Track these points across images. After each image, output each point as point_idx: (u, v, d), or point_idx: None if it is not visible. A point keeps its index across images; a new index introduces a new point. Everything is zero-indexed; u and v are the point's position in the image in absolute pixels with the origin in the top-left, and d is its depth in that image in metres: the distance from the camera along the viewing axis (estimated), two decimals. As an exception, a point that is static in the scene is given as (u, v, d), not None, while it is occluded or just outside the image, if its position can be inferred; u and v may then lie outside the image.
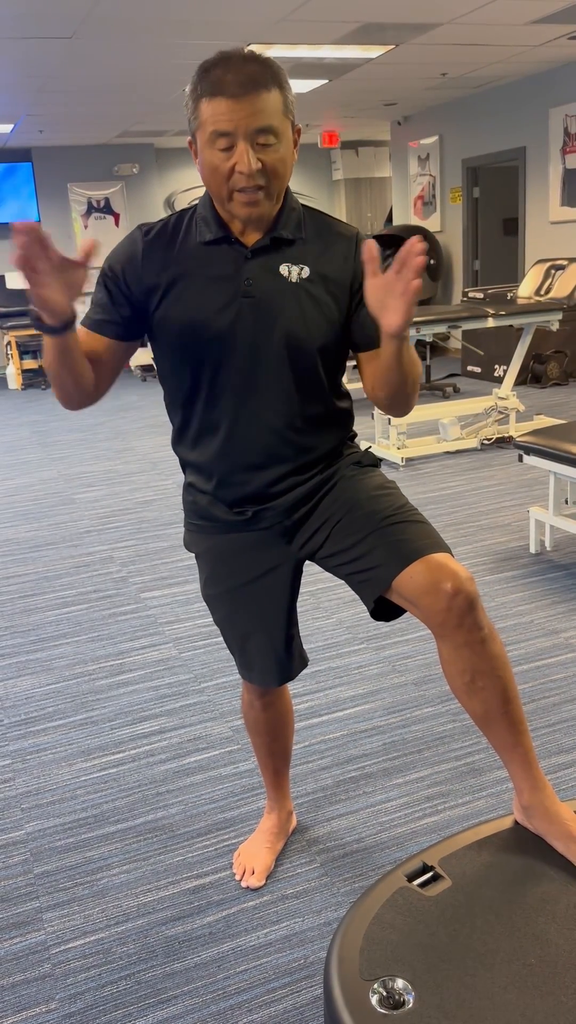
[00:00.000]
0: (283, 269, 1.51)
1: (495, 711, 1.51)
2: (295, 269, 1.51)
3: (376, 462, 1.69)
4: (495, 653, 1.49)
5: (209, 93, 1.37)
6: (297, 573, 1.74)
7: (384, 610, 1.57)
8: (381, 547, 1.51)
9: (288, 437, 1.58)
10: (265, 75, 1.37)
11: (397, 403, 1.55)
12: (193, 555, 1.80)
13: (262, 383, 1.54)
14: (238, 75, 1.35)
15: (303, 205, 1.57)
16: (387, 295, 1.35)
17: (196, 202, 1.56)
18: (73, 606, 3.61)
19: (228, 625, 1.79)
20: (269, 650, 1.77)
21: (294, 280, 1.51)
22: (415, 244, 1.30)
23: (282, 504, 1.62)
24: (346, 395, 1.68)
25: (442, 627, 1.46)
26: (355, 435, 1.73)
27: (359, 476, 1.63)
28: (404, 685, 2.79)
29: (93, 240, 1.36)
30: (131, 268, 1.54)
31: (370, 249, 1.35)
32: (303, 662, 1.85)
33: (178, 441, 1.68)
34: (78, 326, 1.51)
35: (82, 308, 1.44)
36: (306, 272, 1.51)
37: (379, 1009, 1.21)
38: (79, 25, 5.09)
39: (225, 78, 1.36)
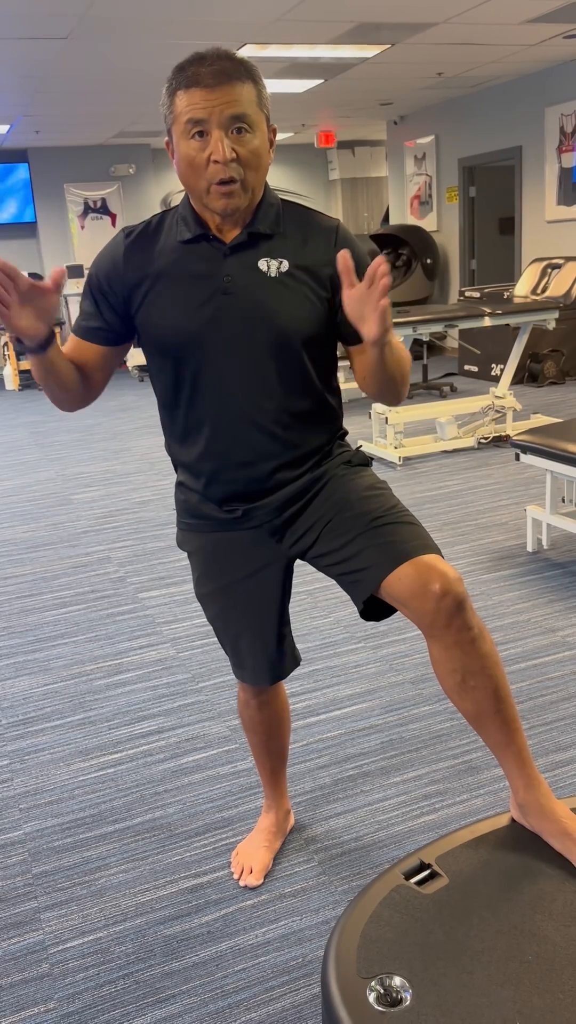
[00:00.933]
0: (262, 264, 1.51)
1: (487, 710, 1.51)
2: (274, 263, 1.52)
3: (367, 461, 1.69)
4: (485, 652, 1.49)
5: (184, 85, 1.40)
6: (288, 572, 1.75)
7: (374, 610, 1.58)
8: (371, 548, 1.51)
9: (275, 433, 1.58)
10: (238, 69, 1.40)
11: (386, 397, 1.57)
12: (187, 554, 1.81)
13: (246, 379, 1.54)
14: (212, 67, 1.39)
15: (282, 199, 1.57)
16: (363, 306, 1.36)
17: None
18: (71, 606, 3.61)
19: (220, 623, 1.80)
20: (261, 648, 1.78)
21: (273, 274, 1.51)
22: (379, 265, 1.32)
23: (272, 502, 1.63)
24: (335, 390, 1.68)
25: (431, 627, 1.47)
26: (345, 433, 1.73)
27: (350, 475, 1.64)
28: (401, 684, 2.79)
29: (63, 269, 1.39)
30: (114, 273, 1.56)
31: (345, 260, 1.35)
32: (295, 661, 1.85)
33: (168, 440, 1.69)
34: (69, 334, 1.60)
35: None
36: (285, 266, 1.52)
37: (376, 1007, 1.21)
38: (75, 25, 5.09)
39: (199, 71, 1.39)
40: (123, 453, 6.25)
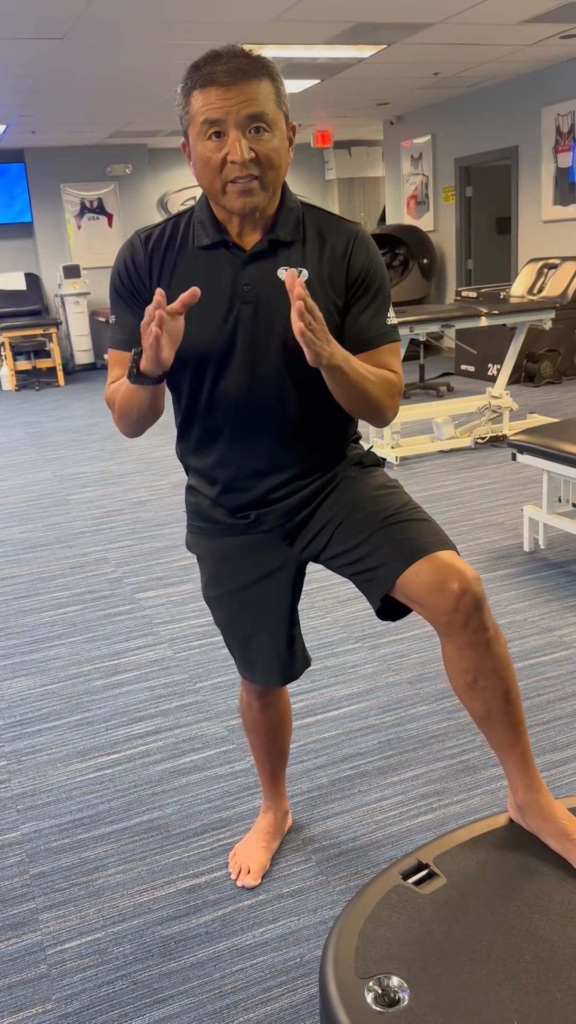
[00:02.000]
0: (281, 273, 1.48)
1: (496, 711, 1.51)
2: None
3: (379, 462, 1.68)
4: (499, 654, 1.48)
5: (200, 85, 1.37)
6: (299, 575, 1.74)
7: (390, 609, 1.56)
8: (385, 546, 1.50)
9: (291, 442, 1.57)
10: (255, 66, 1.37)
11: (363, 418, 1.53)
12: (193, 555, 1.80)
13: (263, 389, 1.52)
14: (228, 65, 1.35)
15: (303, 203, 1.54)
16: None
17: (191, 202, 1.56)
18: (68, 607, 3.61)
19: (229, 626, 1.79)
20: (271, 650, 1.77)
21: None
22: (291, 281, 1.27)
23: (284, 507, 1.62)
24: None
25: (447, 626, 1.45)
26: (359, 437, 1.72)
27: (361, 476, 1.63)
28: (399, 684, 2.79)
29: (196, 290, 1.32)
30: (137, 276, 1.53)
31: (290, 278, 1.28)
32: (306, 662, 1.84)
33: (182, 445, 1.67)
34: (112, 355, 1.56)
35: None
36: (304, 275, 1.49)
37: (374, 1007, 1.21)
38: (71, 25, 5.08)
39: (215, 69, 1.35)
40: (120, 453, 6.24)
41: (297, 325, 1.28)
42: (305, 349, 1.32)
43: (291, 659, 1.80)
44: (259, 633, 1.76)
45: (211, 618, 1.83)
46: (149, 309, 1.31)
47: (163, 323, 1.30)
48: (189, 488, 1.71)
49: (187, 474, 1.71)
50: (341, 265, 1.50)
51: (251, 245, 1.49)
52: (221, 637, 1.88)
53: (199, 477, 1.66)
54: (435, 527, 1.53)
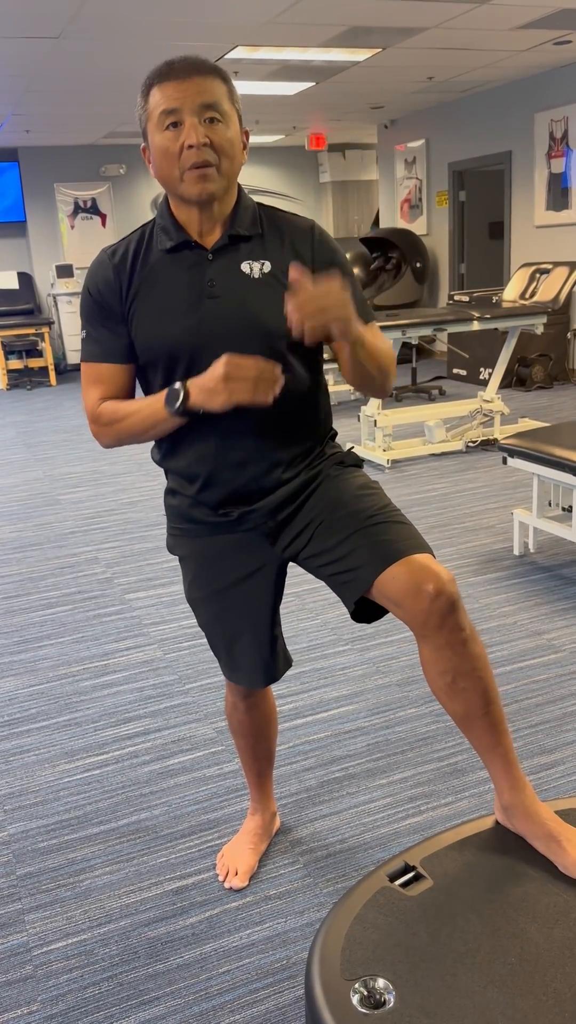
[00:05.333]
0: (244, 267, 1.53)
1: (476, 712, 1.52)
2: (256, 265, 1.53)
3: (359, 462, 1.70)
4: (476, 654, 1.50)
5: (157, 81, 1.44)
6: (281, 574, 1.75)
7: (365, 612, 1.58)
8: (363, 547, 1.51)
9: (266, 433, 1.59)
10: (208, 65, 1.46)
11: (371, 388, 1.60)
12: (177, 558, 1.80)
13: None
14: (183, 63, 1.44)
15: (256, 202, 1.59)
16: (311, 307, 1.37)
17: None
18: (57, 607, 3.60)
19: (213, 627, 1.79)
20: (255, 651, 1.77)
21: (256, 276, 1.52)
22: (295, 273, 1.36)
23: (267, 505, 1.62)
24: (324, 389, 1.69)
25: (424, 628, 1.47)
26: (335, 433, 1.74)
27: (343, 476, 1.64)
28: (388, 686, 2.80)
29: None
30: (106, 287, 1.56)
31: (296, 272, 1.37)
32: (288, 662, 1.85)
33: (158, 450, 1.68)
34: (85, 368, 1.62)
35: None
36: (268, 267, 1.53)
37: (360, 1009, 1.21)
38: (66, 25, 5.08)
39: (171, 67, 1.44)
40: (111, 454, 6.23)
41: (304, 310, 1.35)
42: (337, 333, 1.40)
43: (273, 660, 1.80)
44: (243, 634, 1.76)
45: (196, 619, 1.83)
46: (248, 359, 1.41)
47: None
48: (169, 491, 1.72)
49: (166, 477, 1.72)
50: (307, 262, 1.54)
51: (212, 243, 1.53)
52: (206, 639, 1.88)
53: (178, 477, 1.67)
54: (413, 530, 1.55)
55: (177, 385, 1.48)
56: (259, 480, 1.61)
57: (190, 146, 1.42)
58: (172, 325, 1.52)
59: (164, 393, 1.50)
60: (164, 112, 1.43)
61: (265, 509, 1.63)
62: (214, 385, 1.43)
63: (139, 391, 1.63)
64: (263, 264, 1.53)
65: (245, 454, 1.59)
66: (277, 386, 1.42)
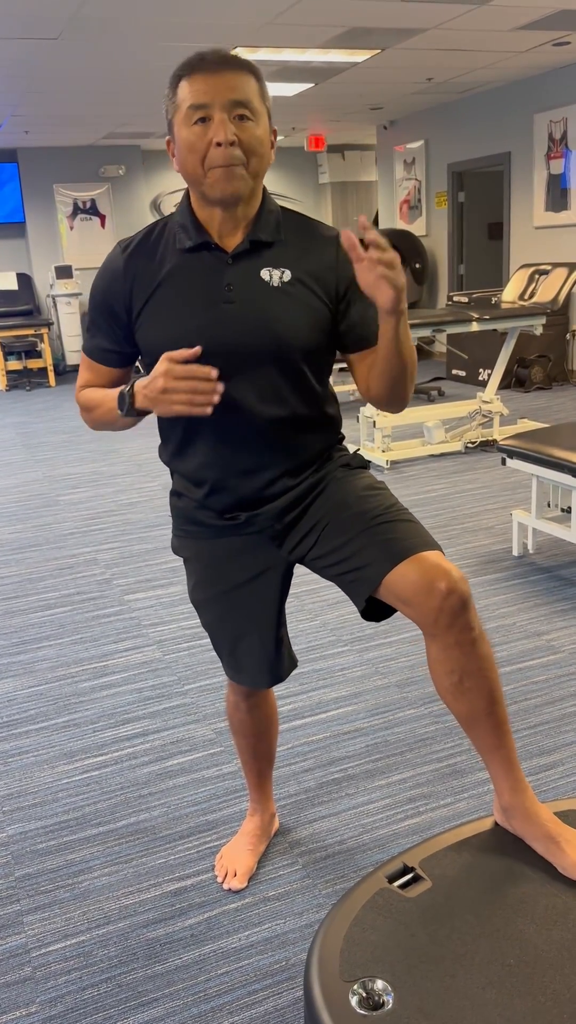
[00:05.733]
0: (264, 273, 1.50)
1: (481, 712, 1.51)
2: (276, 273, 1.50)
3: (365, 464, 1.69)
4: (484, 654, 1.49)
5: (187, 73, 1.41)
6: (287, 576, 1.74)
7: (374, 610, 1.56)
8: (371, 546, 1.50)
9: (276, 440, 1.57)
10: (240, 61, 1.43)
11: (396, 394, 1.54)
12: (180, 558, 1.80)
13: (247, 389, 1.52)
14: (215, 56, 1.41)
15: (281, 207, 1.56)
16: (372, 273, 1.34)
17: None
18: (56, 608, 3.60)
19: (218, 628, 1.78)
20: (260, 652, 1.77)
21: (275, 284, 1.50)
22: (367, 231, 1.33)
23: (274, 508, 1.61)
24: (333, 397, 1.67)
25: (434, 626, 1.45)
26: (343, 437, 1.73)
27: (348, 477, 1.63)
28: (387, 687, 2.79)
29: (198, 349, 1.41)
30: (114, 287, 1.54)
31: (348, 238, 1.34)
32: (293, 663, 1.84)
33: (164, 449, 1.67)
34: (82, 355, 1.64)
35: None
36: (287, 275, 1.50)
37: (359, 1010, 1.21)
38: (65, 26, 5.08)
39: (203, 60, 1.41)
40: (110, 455, 6.23)
41: (385, 262, 1.31)
42: (389, 287, 1.34)
43: (279, 660, 1.80)
44: (248, 635, 1.75)
45: (200, 620, 1.82)
46: (183, 370, 1.37)
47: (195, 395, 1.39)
48: (174, 492, 1.71)
49: (172, 478, 1.71)
50: (331, 273, 1.52)
51: (233, 247, 1.50)
52: (209, 639, 1.87)
53: (184, 480, 1.66)
54: (421, 528, 1.54)
55: (125, 388, 1.46)
56: (266, 487, 1.60)
57: (218, 143, 1.39)
58: (182, 326, 1.49)
59: (118, 391, 1.50)
60: (192, 107, 1.39)
61: (271, 512, 1.62)
62: (153, 396, 1.41)
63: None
64: (283, 272, 1.50)
65: (253, 462, 1.58)
66: (215, 397, 1.38)
